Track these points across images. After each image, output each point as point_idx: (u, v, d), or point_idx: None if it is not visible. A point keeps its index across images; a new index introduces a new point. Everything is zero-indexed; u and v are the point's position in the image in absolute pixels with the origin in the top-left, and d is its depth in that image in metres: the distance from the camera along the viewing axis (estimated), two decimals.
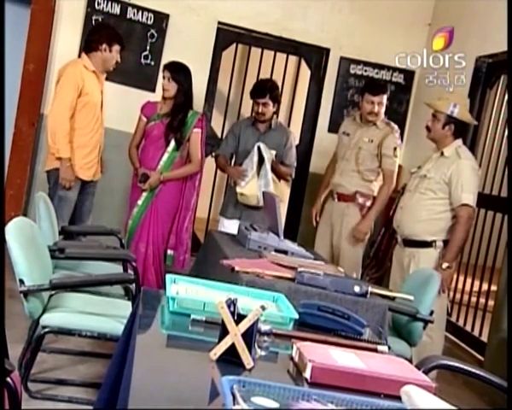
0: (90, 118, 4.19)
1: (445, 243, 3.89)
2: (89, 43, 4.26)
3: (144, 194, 4.34)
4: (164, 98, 4.37)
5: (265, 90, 4.55)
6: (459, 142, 3.92)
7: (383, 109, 4.52)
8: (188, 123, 4.35)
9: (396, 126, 4.58)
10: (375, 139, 4.49)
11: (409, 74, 5.69)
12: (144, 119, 4.39)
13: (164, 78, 4.32)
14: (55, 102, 4.14)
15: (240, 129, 4.70)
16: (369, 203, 4.54)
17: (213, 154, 5.23)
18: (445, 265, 3.81)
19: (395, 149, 4.47)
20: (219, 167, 4.94)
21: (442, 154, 3.90)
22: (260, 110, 4.54)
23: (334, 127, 5.44)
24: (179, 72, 4.31)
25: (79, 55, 5.04)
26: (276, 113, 4.81)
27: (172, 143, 4.32)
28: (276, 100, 4.60)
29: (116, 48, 4.23)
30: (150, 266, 4.35)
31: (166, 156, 4.34)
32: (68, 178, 4.13)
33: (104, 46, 4.18)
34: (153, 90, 5.25)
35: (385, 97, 4.50)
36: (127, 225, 4.39)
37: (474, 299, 4.93)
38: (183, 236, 4.46)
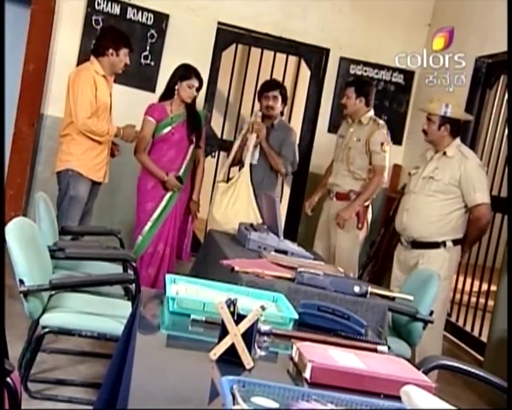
0: (100, 120, 4.19)
1: (455, 242, 3.91)
2: (96, 48, 4.25)
3: (167, 196, 4.31)
4: (165, 99, 4.35)
5: (277, 83, 4.69)
6: (458, 141, 3.94)
7: (278, 104, 4.59)
8: (201, 120, 4.45)
9: (382, 122, 4.59)
10: (362, 138, 4.52)
11: (409, 74, 5.68)
12: (154, 122, 4.28)
13: (191, 87, 4.26)
14: (75, 103, 4.07)
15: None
16: None
17: (213, 154, 5.23)
18: None
19: (382, 144, 4.47)
20: None
21: (445, 154, 3.90)
22: (270, 103, 4.54)
23: (333, 128, 5.44)
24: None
25: (79, 56, 5.09)
26: (282, 113, 4.77)
27: (193, 141, 4.38)
28: (285, 99, 4.62)
29: (124, 51, 4.23)
30: (166, 266, 4.33)
31: (189, 156, 4.37)
32: (132, 135, 4.25)
33: (111, 51, 4.18)
34: (153, 90, 5.24)
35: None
36: (144, 226, 4.29)
37: (473, 299, 4.93)
38: (188, 226, 4.52)
